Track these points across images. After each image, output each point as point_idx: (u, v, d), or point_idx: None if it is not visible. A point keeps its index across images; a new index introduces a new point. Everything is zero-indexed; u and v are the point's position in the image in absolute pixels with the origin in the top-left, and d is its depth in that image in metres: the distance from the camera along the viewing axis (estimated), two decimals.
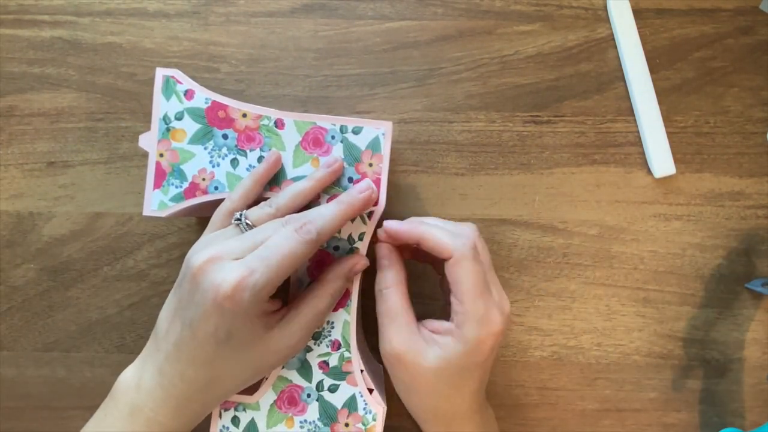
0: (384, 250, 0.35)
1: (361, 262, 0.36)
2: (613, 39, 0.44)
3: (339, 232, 0.36)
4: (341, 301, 0.36)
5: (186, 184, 0.35)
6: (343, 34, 0.44)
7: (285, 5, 0.44)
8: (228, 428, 0.35)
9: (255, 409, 0.36)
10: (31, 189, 0.43)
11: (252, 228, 0.32)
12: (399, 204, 0.43)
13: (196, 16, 0.43)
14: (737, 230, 0.43)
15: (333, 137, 0.36)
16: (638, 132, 0.43)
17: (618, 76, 0.44)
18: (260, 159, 0.36)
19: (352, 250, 0.36)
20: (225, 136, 0.36)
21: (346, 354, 0.36)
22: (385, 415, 0.36)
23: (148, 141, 0.36)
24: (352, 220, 0.36)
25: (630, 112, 0.43)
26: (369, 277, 0.36)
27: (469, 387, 0.33)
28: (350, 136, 0.36)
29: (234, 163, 0.36)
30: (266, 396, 0.36)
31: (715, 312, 0.42)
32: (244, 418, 0.35)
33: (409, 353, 0.32)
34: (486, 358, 0.33)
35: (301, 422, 0.35)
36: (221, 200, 0.35)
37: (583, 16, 0.44)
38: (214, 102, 0.36)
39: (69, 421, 0.41)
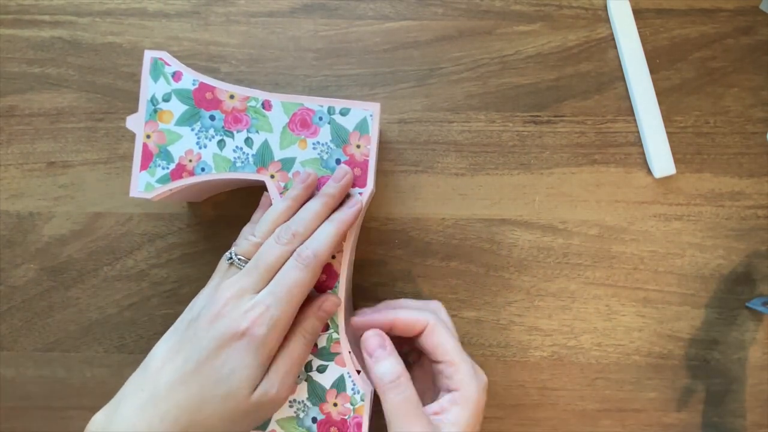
0: (375, 339, 0.34)
1: (329, 300, 0.35)
2: (613, 39, 0.44)
3: None
4: (329, 282, 0.36)
5: (172, 166, 0.35)
6: (343, 34, 0.44)
7: (285, 5, 0.44)
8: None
9: None
10: (31, 189, 0.43)
11: (246, 261, 0.33)
12: (399, 204, 0.43)
13: (196, 16, 0.43)
14: (737, 230, 0.43)
15: (320, 118, 0.36)
16: (638, 132, 0.43)
17: (618, 76, 0.44)
18: (247, 140, 0.36)
19: None
20: (212, 118, 0.36)
21: (335, 335, 0.36)
22: (372, 396, 0.36)
23: (135, 122, 0.36)
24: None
25: (630, 112, 0.43)
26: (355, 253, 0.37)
27: None
28: (338, 118, 0.36)
29: (221, 144, 0.36)
30: None
31: (715, 312, 0.42)
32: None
33: None
34: (482, 412, 0.33)
35: (290, 402, 0.36)
36: (209, 182, 0.36)
37: (583, 16, 0.44)
38: (201, 83, 0.36)
39: (69, 421, 0.41)
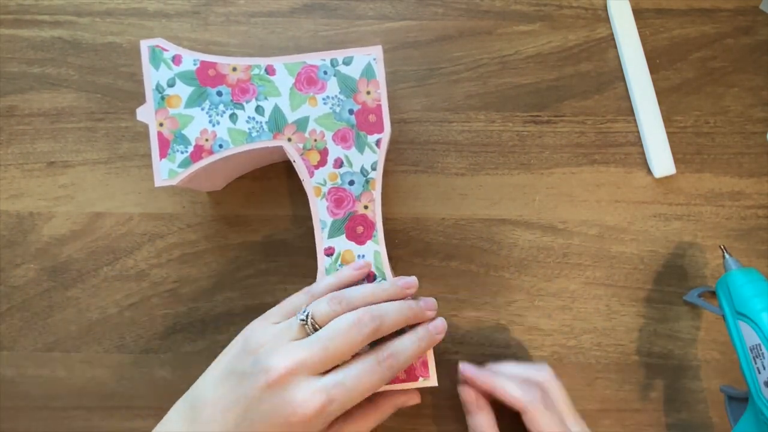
0: (471, 394, 0.36)
1: (414, 398, 0.37)
2: (613, 39, 0.44)
3: (351, 165, 0.36)
4: (367, 233, 0.36)
5: (191, 148, 0.36)
6: (343, 34, 0.44)
7: (285, 5, 0.44)
8: None
9: None
10: (31, 189, 0.43)
11: (317, 330, 0.31)
12: (399, 204, 0.43)
13: (196, 16, 0.43)
14: (737, 230, 0.43)
15: (325, 72, 0.36)
16: (638, 132, 0.43)
17: (618, 76, 0.44)
18: (258, 109, 0.36)
19: (368, 181, 0.37)
20: (219, 93, 0.36)
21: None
22: None
23: (145, 113, 0.36)
24: (361, 152, 0.36)
25: (630, 112, 0.43)
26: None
27: None
28: (342, 68, 0.36)
29: (233, 118, 0.36)
30: None
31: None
32: None
33: None
34: None
35: None
36: (228, 161, 0.36)
37: (583, 16, 0.44)
38: (202, 62, 0.36)
39: (69, 421, 0.41)
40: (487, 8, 0.44)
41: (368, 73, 0.36)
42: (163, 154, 0.35)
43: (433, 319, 0.35)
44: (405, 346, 0.33)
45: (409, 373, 0.35)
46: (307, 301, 0.33)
